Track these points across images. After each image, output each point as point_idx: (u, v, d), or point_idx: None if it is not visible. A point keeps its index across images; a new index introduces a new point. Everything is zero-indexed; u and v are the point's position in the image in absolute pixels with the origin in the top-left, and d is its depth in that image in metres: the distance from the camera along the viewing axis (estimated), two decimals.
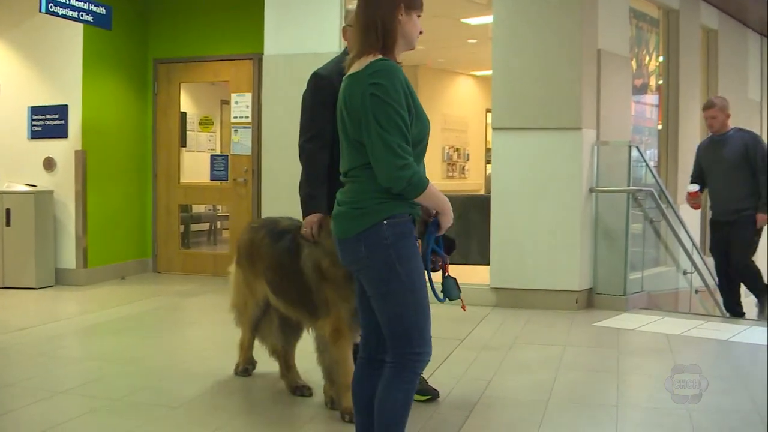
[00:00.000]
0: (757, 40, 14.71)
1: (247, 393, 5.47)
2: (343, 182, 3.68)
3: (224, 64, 10.74)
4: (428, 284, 3.63)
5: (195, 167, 12.52)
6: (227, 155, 10.76)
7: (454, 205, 3.69)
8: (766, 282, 8.52)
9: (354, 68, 3.56)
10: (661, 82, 11.42)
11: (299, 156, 4.90)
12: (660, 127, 11.32)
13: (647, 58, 11.11)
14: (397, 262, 3.47)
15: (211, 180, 10.98)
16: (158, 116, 11.04)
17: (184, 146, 11.62)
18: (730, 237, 8.37)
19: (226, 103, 11.92)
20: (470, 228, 9.16)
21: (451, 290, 3.75)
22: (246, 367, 5.74)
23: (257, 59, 9.97)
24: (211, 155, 11.30)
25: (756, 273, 8.44)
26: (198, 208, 13.86)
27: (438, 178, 18.21)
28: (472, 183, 17.80)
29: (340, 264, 3.85)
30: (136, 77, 10.90)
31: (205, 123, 13.82)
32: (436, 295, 3.72)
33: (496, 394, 5.42)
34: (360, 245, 3.51)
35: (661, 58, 11.37)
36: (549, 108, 8.30)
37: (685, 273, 9.26)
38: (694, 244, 9.41)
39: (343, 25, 5.05)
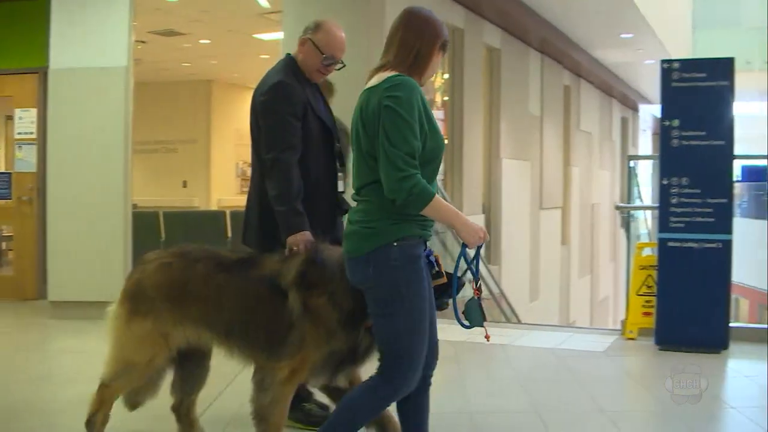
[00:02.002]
0: (537, 57, 15.44)
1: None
2: (356, 200, 3.65)
3: (7, 78, 10.31)
4: (453, 309, 3.68)
5: None
6: (10, 173, 10.34)
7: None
8: None
9: (373, 81, 3.57)
10: (446, 98, 11.81)
11: (269, 169, 4.43)
12: (446, 141, 11.71)
13: (433, 76, 11.45)
14: (404, 286, 3.49)
15: None
16: None
17: None
18: None
19: (10, 118, 11.46)
20: None
21: (474, 314, 3.69)
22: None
23: (42, 73, 9.66)
24: None
25: None
26: None
27: (232, 194, 18.19)
28: None
29: (335, 304, 3.83)
30: None
31: None
32: (459, 321, 3.70)
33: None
34: (369, 265, 3.50)
35: (445, 76, 11.76)
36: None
37: (469, 282, 9.53)
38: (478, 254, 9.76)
39: (303, 36, 4.73)
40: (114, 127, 8.86)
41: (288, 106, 4.47)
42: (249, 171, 19.70)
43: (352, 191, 3.66)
